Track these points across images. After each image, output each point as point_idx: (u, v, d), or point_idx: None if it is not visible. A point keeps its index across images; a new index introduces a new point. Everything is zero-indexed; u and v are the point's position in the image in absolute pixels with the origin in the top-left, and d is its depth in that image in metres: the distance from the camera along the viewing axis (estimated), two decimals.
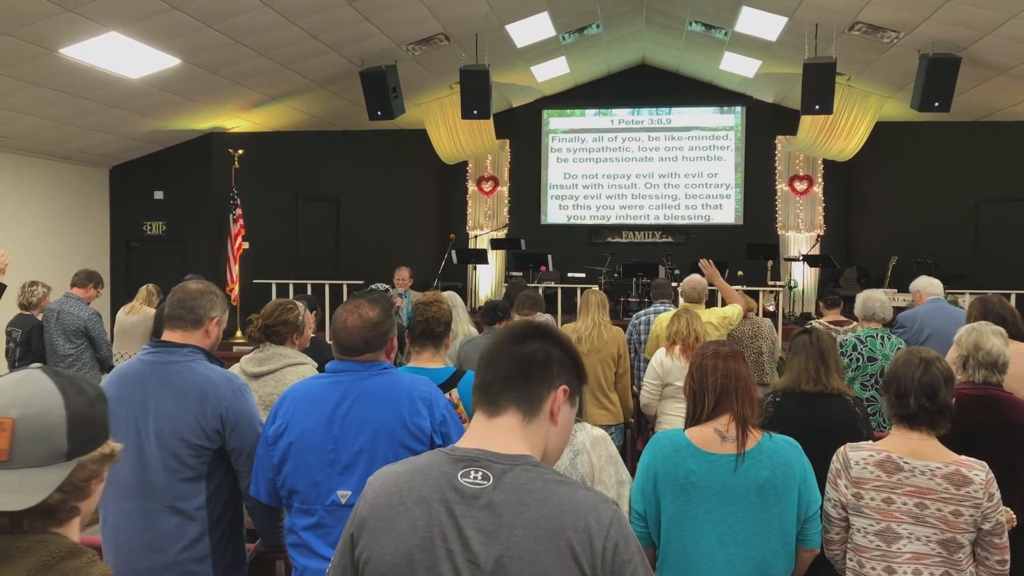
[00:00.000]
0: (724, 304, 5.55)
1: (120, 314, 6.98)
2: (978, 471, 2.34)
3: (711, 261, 5.65)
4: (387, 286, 8.21)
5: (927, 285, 5.29)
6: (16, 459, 1.10)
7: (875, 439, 2.90)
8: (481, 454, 1.35)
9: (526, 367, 1.40)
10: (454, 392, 2.85)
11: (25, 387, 1.15)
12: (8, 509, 1.08)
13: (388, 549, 1.32)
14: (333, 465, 2.28)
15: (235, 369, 3.29)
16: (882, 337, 4.67)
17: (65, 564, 1.09)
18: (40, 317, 6.29)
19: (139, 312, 6.85)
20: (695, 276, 5.47)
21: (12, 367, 6.31)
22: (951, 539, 2.32)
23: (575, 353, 1.48)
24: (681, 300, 5.53)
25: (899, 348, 4.55)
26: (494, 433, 1.38)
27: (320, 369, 2.87)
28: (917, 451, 2.39)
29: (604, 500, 1.34)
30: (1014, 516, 2.53)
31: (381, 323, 2.39)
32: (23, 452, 1.10)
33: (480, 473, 1.32)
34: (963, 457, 2.39)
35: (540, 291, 8.39)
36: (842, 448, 2.50)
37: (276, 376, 3.23)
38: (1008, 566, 2.37)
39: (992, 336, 3.05)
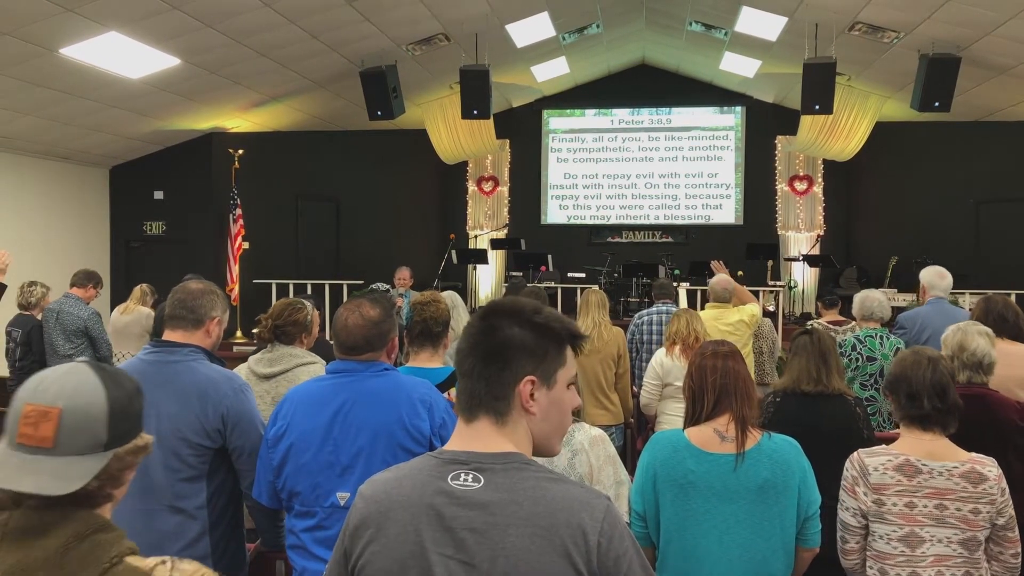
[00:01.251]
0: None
1: (114, 314, 6.93)
2: (990, 467, 2.35)
3: (723, 262, 5.71)
4: (388, 286, 8.21)
5: (934, 283, 4.94)
6: (60, 447, 1.18)
7: (876, 439, 2.90)
8: (470, 456, 1.33)
9: (483, 371, 1.35)
10: (452, 392, 2.85)
11: (72, 379, 1.22)
12: (51, 494, 1.15)
13: (380, 556, 1.31)
14: (333, 467, 2.28)
15: (242, 370, 3.29)
16: (881, 337, 4.66)
17: (98, 536, 1.18)
18: (40, 317, 6.28)
19: (133, 312, 6.79)
20: (723, 276, 5.47)
21: (12, 367, 6.31)
22: (971, 538, 2.32)
23: (541, 324, 1.37)
24: (710, 299, 5.53)
25: (898, 348, 4.55)
26: (475, 436, 1.36)
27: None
28: (932, 452, 2.38)
29: (597, 495, 1.33)
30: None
31: (382, 322, 2.39)
32: (66, 441, 1.18)
33: (471, 475, 1.31)
34: (973, 454, 2.39)
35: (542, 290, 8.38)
36: (856, 454, 2.47)
37: (288, 376, 3.21)
38: (1020, 559, 2.38)
39: (977, 336, 3.03)
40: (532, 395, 1.35)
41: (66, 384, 1.22)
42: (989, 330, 3.13)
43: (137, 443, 1.27)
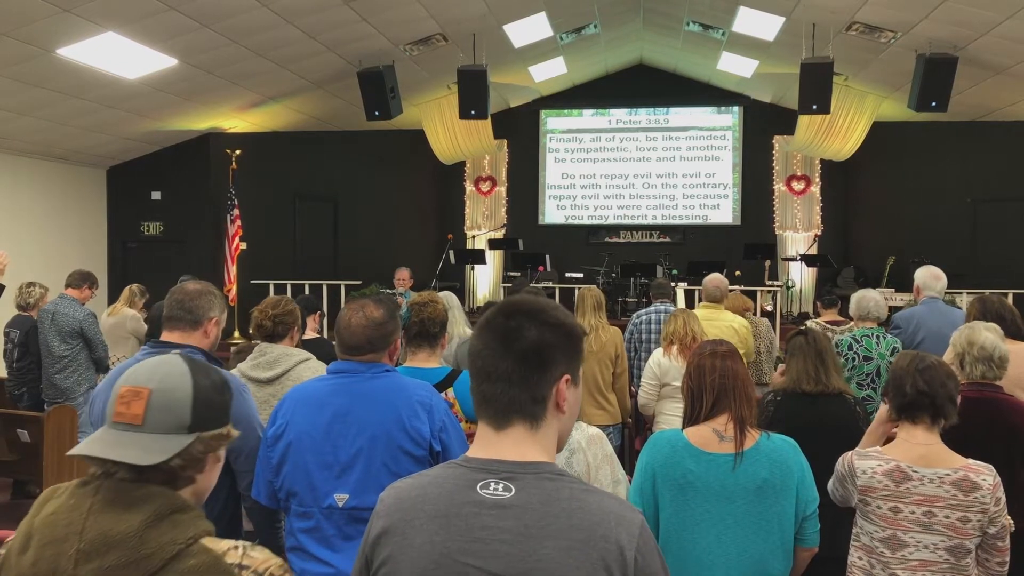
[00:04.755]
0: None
1: (102, 316, 6.85)
2: (986, 475, 2.33)
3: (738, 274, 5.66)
4: (390, 290, 8.19)
5: (928, 283, 4.93)
6: (147, 424, 1.30)
7: None
8: (500, 465, 1.29)
9: (524, 373, 1.30)
10: (449, 392, 2.85)
11: (163, 367, 1.37)
12: (136, 463, 1.26)
13: (405, 567, 1.27)
14: (331, 467, 2.27)
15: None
16: (877, 336, 4.66)
17: (177, 515, 1.28)
18: (36, 317, 6.26)
19: (118, 314, 6.69)
20: (717, 275, 5.36)
21: (10, 368, 6.31)
22: (959, 545, 2.31)
23: (565, 323, 1.35)
24: (702, 299, 5.46)
25: (895, 347, 4.56)
26: (506, 444, 1.31)
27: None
28: (926, 457, 2.37)
29: (631, 509, 1.31)
30: (1012, 523, 2.52)
31: (385, 323, 2.39)
32: (153, 419, 1.31)
33: (501, 484, 1.27)
34: (971, 461, 2.37)
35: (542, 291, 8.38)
36: (847, 455, 2.48)
37: (291, 375, 3.20)
38: (1007, 567, 2.37)
39: (984, 331, 3.02)
40: (565, 395, 1.34)
41: (157, 370, 1.35)
42: (995, 326, 3.11)
43: (221, 432, 1.39)
